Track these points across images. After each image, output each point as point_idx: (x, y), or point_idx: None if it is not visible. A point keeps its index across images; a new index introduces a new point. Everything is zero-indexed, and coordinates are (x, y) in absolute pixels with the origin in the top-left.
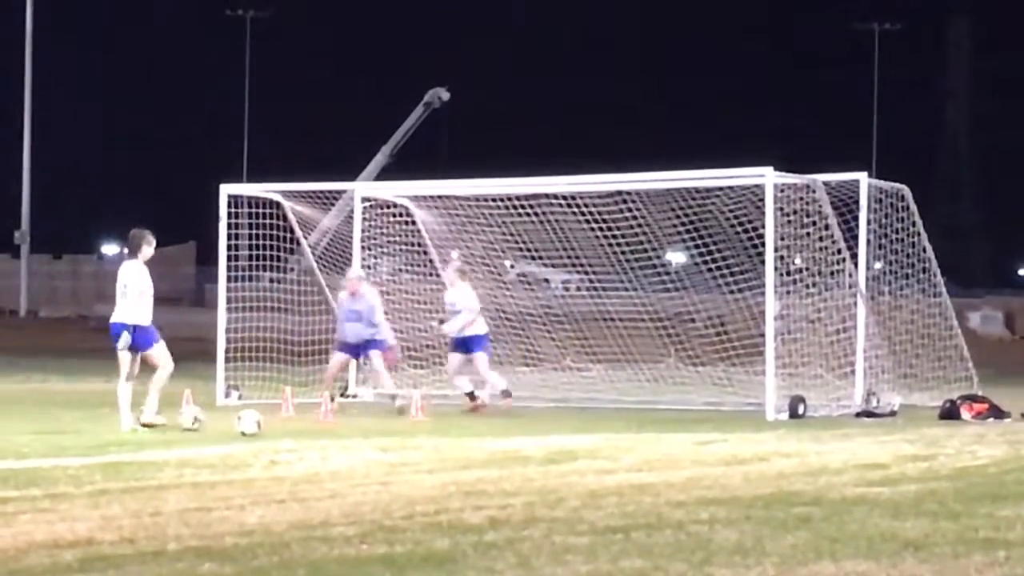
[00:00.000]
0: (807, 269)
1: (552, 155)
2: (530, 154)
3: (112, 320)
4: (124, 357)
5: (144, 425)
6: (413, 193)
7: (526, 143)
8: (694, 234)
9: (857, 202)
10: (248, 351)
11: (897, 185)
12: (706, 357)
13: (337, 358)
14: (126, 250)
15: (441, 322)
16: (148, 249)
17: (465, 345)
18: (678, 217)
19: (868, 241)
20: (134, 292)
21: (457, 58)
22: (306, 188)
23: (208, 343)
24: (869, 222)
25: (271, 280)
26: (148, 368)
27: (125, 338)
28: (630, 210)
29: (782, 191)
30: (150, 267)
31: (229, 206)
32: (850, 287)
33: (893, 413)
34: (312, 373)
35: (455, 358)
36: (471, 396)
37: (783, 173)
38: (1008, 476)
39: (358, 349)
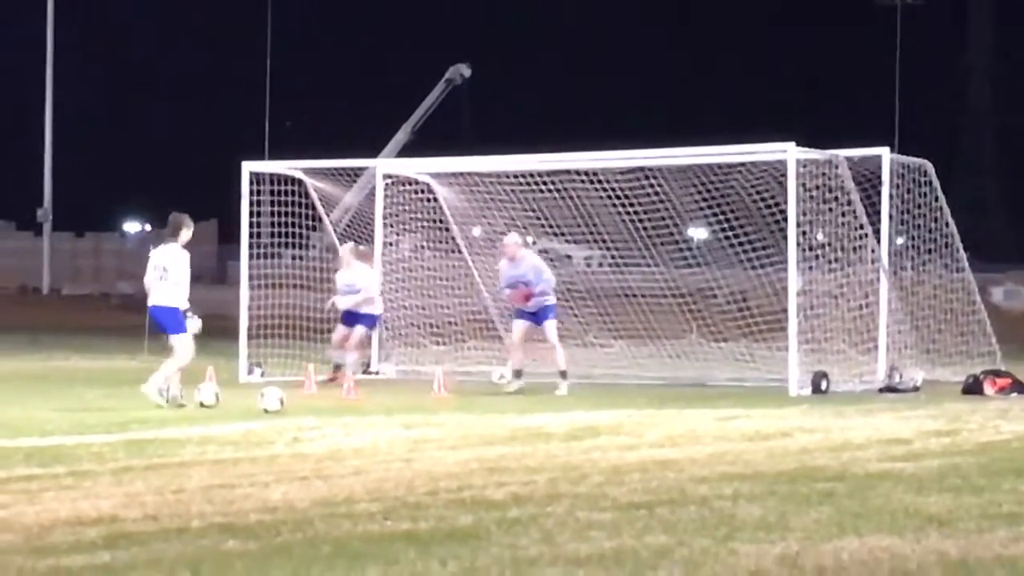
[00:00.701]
0: (829, 244)
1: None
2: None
3: (156, 303)
4: (188, 341)
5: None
6: (434, 170)
7: (547, 119)
8: (716, 210)
9: (880, 177)
10: (271, 328)
11: (919, 160)
12: (728, 333)
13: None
14: (148, 228)
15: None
16: (187, 232)
17: (353, 317)
18: (700, 193)
19: (890, 216)
20: (176, 275)
21: (479, 33)
22: (328, 165)
23: (230, 320)
24: (891, 197)
25: (293, 257)
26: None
27: (193, 323)
28: (652, 186)
29: (804, 166)
30: None
31: (251, 183)
32: (873, 262)
33: (916, 388)
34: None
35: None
36: (336, 368)
37: (805, 148)
38: None
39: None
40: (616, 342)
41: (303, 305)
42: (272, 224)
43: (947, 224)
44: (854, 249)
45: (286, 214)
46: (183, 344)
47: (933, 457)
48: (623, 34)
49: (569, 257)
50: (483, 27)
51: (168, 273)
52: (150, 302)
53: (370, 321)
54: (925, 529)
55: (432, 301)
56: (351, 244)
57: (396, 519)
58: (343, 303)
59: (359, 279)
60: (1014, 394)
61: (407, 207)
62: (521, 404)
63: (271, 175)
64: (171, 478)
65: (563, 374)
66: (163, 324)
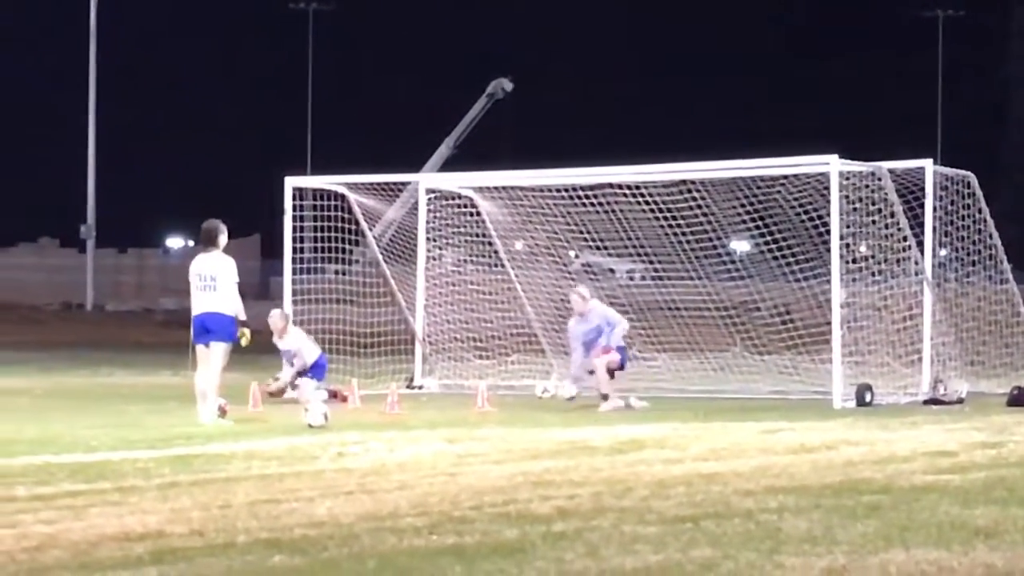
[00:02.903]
0: (873, 257)
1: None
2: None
3: (205, 310)
4: (227, 353)
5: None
6: (477, 184)
7: (590, 133)
8: (759, 222)
9: (923, 189)
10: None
11: (963, 172)
12: (772, 346)
13: None
14: (190, 244)
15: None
16: (224, 238)
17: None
18: (743, 206)
19: (934, 228)
20: (225, 283)
21: (521, 49)
22: (370, 180)
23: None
24: (935, 209)
25: (336, 272)
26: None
27: (245, 335)
28: (694, 199)
29: (847, 179)
30: None
31: (294, 198)
32: (916, 274)
33: (960, 400)
34: (377, 364)
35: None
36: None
37: (848, 160)
38: None
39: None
40: (659, 355)
41: (346, 320)
42: (315, 239)
43: (991, 236)
44: (897, 261)
45: (329, 229)
46: (222, 353)
47: (979, 469)
48: (666, 48)
49: (612, 271)
50: (526, 41)
51: (216, 281)
52: (197, 311)
53: (319, 372)
54: (972, 542)
55: (475, 315)
56: (279, 311)
57: (441, 533)
58: (287, 375)
59: (292, 344)
60: None
61: (450, 221)
62: (565, 418)
63: (314, 190)
64: (217, 493)
65: (604, 396)
66: (212, 331)
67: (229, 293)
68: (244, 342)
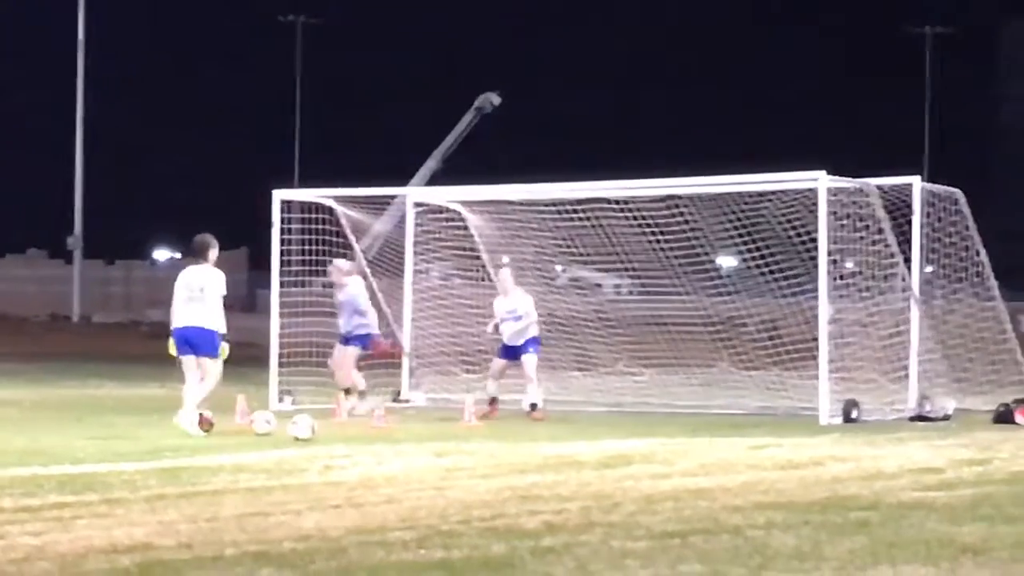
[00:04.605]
0: (860, 273)
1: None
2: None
3: (189, 324)
4: (219, 367)
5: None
6: (465, 198)
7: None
8: (746, 238)
9: (910, 206)
10: (301, 356)
11: (950, 189)
12: (759, 361)
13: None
14: (178, 256)
15: None
16: (215, 252)
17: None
18: (730, 221)
19: (921, 245)
20: (213, 296)
21: (509, 63)
22: (358, 193)
23: (260, 348)
24: (922, 226)
25: (323, 285)
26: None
27: (224, 350)
28: (682, 214)
29: (835, 195)
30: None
31: (281, 211)
32: (903, 291)
33: (947, 417)
34: (364, 378)
35: (500, 362)
36: (492, 402)
37: (836, 177)
38: None
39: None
40: (646, 370)
41: (333, 333)
42: (302, 252)
43: (978, 253)
44: (885, 278)
45: (316, 242)
46: (214, 369)
47: (966, 486)
48: (654, 63)
49: (599, 285)
50: (514, 55)
51: (204, 294)
52: (180, 323)
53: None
54: (959, 559)
55: (462, 329)
56: (507, 268)
57: (429, 548)
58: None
59: (520, 304)
60: None
61: (437, 235)
62: (552, 432)
63: (301, 203)
64: (204, 506)
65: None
66: (196, 346)
67: (215, 307)
68: (223, 356)
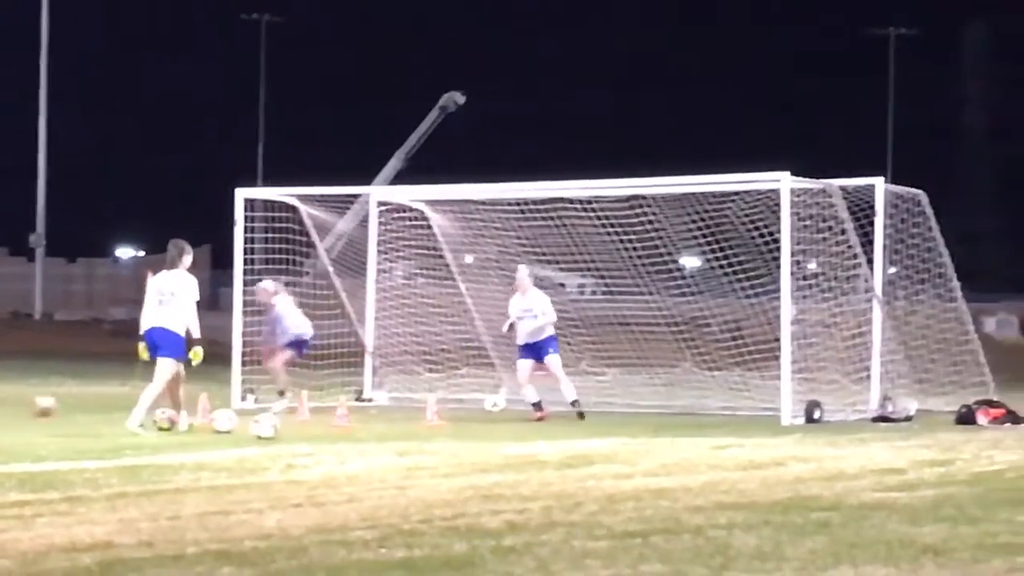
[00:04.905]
0: (823, 274)
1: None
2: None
3: (155, 325)
4: (172, 368)
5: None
6: (428, 197)
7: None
8: (710, 238)
9: (873, 207)
10: (263, 355)
11: (913, 190)
12: (721, 362)
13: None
14: (141, 254)
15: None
16: (188, 258)
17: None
18: (694, 221)
19: (884, 246)
20: (184, 301)
21: (472, 62)
22: (322, 192)
23: (223, 346)
24: (885, 227)
25: (286, 284)
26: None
27: (197, 355)
28: (646, 214)
29: (798, 196)
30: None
31: (245, 210)
32: (866, 292)
33: (909, 418)
34: (327, 377)
35: (525, 364)
36: (537, 406)
37: (799, 178)
38: None
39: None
40: (609, 370)
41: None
42: (265, 251)
43: (940, 254)
44: (847, 279)
45: (279, 240)
46: (166, 369)
47: (927, 487)
48: (617, 61)
49: (562, 285)
50: (478, 54)
51: (175, 298)
52: (148, 324)
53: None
54: (920, 560)
55: (425, 328)
56: (524, 266)
57: (391, 547)
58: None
59: (536, 303)
60: (1007, 424)
61: (401, 234)
62: (514, 432)
63: (265, 201)
64: (166, 504)
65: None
66: (158, 345)
67: (184, 311)
68: (195, 361)
